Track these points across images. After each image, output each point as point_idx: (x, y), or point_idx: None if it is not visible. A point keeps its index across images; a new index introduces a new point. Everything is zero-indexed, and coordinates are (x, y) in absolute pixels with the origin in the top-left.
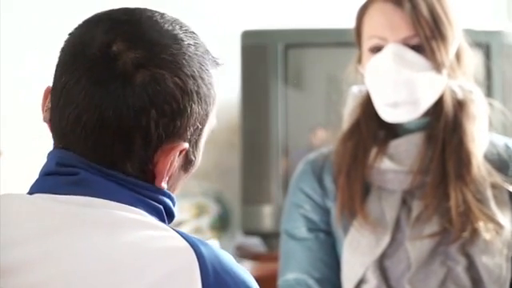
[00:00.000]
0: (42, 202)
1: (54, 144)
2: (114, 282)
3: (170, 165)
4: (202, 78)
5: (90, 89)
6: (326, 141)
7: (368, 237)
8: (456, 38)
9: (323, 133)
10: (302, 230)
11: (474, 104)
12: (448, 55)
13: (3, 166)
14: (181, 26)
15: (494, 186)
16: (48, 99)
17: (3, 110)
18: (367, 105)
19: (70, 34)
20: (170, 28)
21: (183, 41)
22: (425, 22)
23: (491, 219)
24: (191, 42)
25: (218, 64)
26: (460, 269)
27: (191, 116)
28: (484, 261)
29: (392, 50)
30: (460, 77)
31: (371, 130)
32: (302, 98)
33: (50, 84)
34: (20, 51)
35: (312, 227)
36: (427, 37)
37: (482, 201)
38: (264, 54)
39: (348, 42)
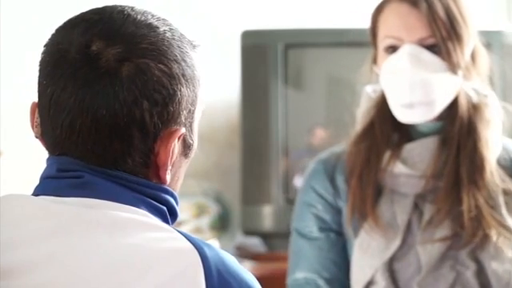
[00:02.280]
0: (46, 203)
1: (50, 153)
2: (118, 283)
3: (172, 152)
4: (184, 61)
5: (78, 93)
6: (325, 140)
7: (378, 239)
8: (471, 39)
9: (322, 133)
10: (313, 230)
11: (489, 108)
12: (464, 56)
13: (3, 166)
14: (152, 15)
15: (506, 193)
16: (36, 114)
17: (3, 110)
18: (382, 106)
19: (45, 46)
20: (143, 18)
21: (158, 28)
22: (441, 22)
23: (502, 225)
24: (166, 29)
25: (194, 46)
26: (469, 274)
27: (182, 99)
28: (493, 267)
29: (408, 50)
30: (475, 78)
31: (385, 132)
32: (302, 98)
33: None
34: (20, 51)
35: (323, 227)
36: (443, 38)
37: (493, 207)
38: (264, 54)
39: (348, 41)
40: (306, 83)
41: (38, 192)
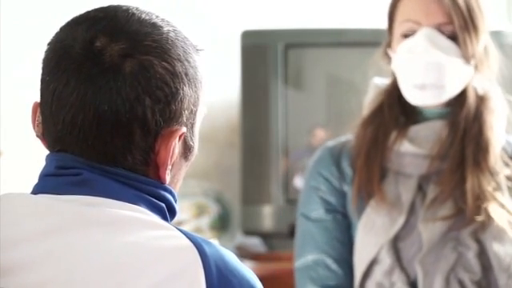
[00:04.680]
0: (45, 201)
1: (50, 149)
2: (117, 281)
3: (172, 151)
4: (187, 61)
5: (80, 88)
6: (325, 141)
7: (383, 217)
8: (486, 32)
9: (322, 133)
10: (319, 212)
11: (494, 100)
12: (478, 47)
13: (3, 166)
14: (157, 16)
15: (509, 179)
16: (38, 113)
17: (3, 110)
18: (391, 92)
19: (49, 44)
20: (147, 17)
21: (162, 27)
22: (460, 11)
23: (504, 207)
24: (170, 29)
25: (197, 50)
26: (471, 255)
27: (184, 98)
28: (495, 249)
29: (425, 33)
30: (486, 71)
31: (393, 114)
32: (302, 98)
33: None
34: (20, 51)
35: (329, 208)
36: (461, 26)
37: (496, 189)
38: (264, 54)
39: (348, 42)
40: (306, 83)
41: (36, 190)
